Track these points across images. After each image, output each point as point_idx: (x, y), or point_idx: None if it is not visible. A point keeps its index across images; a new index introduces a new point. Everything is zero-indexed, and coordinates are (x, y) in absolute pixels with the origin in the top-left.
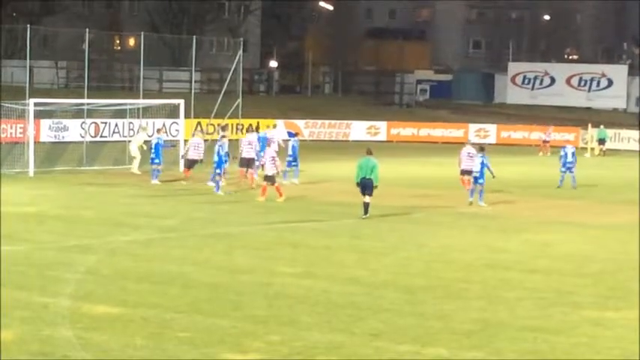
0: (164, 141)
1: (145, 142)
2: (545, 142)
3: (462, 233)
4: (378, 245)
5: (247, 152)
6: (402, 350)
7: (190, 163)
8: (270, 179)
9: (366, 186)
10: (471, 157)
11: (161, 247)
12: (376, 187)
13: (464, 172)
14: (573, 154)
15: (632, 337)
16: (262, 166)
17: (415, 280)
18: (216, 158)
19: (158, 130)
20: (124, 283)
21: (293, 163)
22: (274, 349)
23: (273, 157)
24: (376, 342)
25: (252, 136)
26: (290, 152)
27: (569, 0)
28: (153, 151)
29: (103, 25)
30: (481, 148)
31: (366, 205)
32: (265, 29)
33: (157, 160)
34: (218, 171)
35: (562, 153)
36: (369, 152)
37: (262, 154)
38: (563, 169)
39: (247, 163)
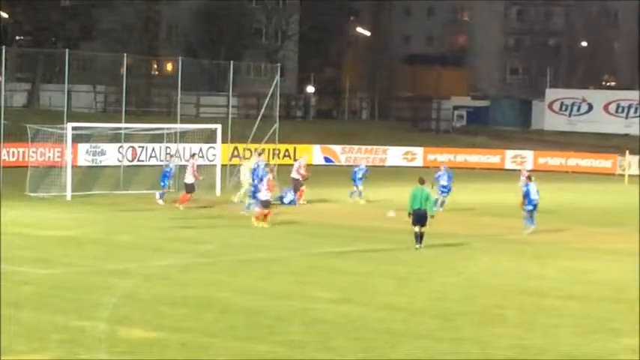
0: (175, 166)
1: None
2: None
3: (498, 259)
4: (415, 271)
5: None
6: None
7: None
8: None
9: (420, 216)
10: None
11: (198, 272)
12: (432, 216)
13: None
14: None
15: None
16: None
17: (452, 306)
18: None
19: (171, 156)
20: (161, 307)
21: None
22: None
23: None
24: None
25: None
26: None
27: (606, 27)
28: (162, 174)
29: (140, 50)
30: (530, 177)
31: (421, 235)
32: (303, 55)
33: (162, 184)
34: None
35: None
36: (422, 182)
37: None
38: None
39: None
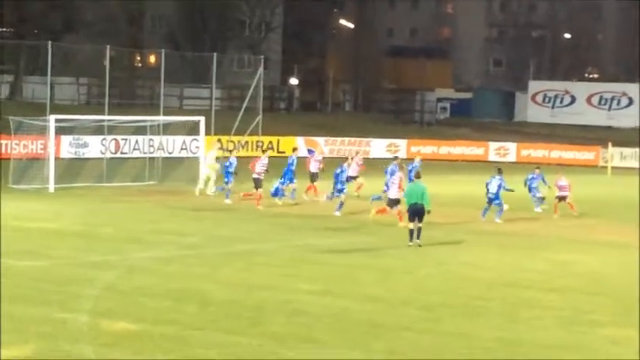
0: (236, 159)
1: (217, 158)
2: None
3: (482, 251)
4: (398, 263)
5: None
6: None
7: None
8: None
9: (416, 212)
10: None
11: (181, 265)
12: (429, 212)
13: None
14: None
15: None
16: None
17: (434, 298)
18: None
19: (230, 151)
20: (143, 299)
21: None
22: None
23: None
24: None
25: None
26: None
27: (590, 19)
28: (224, 170)
29: (124, 42)
30: (499, 170)
31: (418, 230)
32: (286, 46)
33: (226, 180)
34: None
35: None
36: (418, 176)
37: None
38: None
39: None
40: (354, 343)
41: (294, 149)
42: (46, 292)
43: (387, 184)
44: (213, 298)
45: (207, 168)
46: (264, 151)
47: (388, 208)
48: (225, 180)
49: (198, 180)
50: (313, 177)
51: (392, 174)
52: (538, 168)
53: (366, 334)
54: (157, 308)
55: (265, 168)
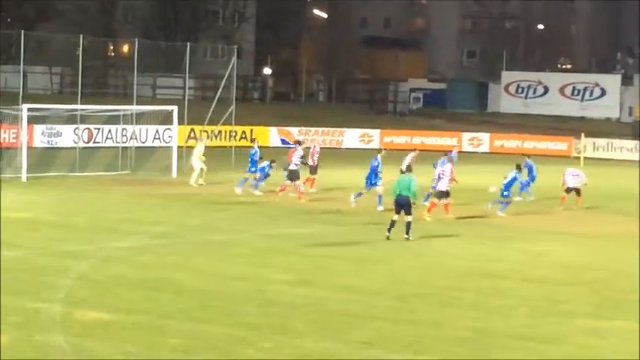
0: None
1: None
2: None
3: (457, 242)
4: (373, 254)
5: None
6: (394, 359)
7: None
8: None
9: (402, 204)
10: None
11: (154, 254)
12: (414, 204)
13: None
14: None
15: (625, 346)
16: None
17: (409, 288)
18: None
19: (252, 140)
20: (117, 289)
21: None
22: (266, 357)
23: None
24: (368, 350)
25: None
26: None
27: (563, 10)
28: (250, 160)
29: (97, 31)
30: (518, 166)
31: (408, 224)
32: (259, 36)
33: (252, 169)
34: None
35: None
36: (409, 169)
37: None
38: None
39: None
40: (329, 333)
41: (297, 142)
42: (19, 281)
43: (439, 176)
44: (187, 288)
45: (197, 160)
46: (299, 143)
47: (436, 200)
48: (253, 169)
49: (193, 172)
50: (314, 170)
51: (441, 166)
52: (528, 157)
53: (342, 324)
54: (130, 298)
55: (302, 160)
